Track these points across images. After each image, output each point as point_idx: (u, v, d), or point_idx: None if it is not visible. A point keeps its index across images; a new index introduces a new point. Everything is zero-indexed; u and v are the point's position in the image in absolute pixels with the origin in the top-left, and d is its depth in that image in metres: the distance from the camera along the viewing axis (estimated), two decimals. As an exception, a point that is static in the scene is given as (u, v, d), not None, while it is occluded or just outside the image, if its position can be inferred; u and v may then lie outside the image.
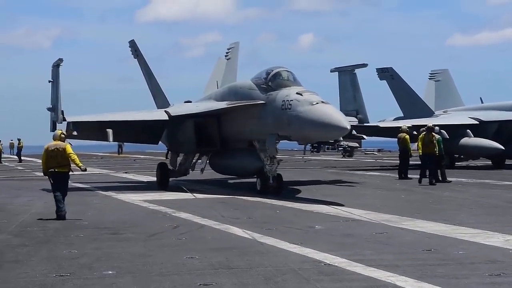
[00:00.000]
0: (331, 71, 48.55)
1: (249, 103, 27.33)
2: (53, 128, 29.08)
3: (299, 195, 26.02)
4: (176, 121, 30.97)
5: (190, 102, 34.26)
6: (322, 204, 22.34)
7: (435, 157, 30.15)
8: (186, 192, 28.03)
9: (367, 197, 25.66)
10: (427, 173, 30.16)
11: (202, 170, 31.89)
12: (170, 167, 32.15)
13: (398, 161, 35.27)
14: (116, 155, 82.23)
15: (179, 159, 32.76)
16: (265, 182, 26.60)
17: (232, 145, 29.84)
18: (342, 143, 49.45)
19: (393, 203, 22.80)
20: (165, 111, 32.05)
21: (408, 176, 33.67)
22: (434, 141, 30.00)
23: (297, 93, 25.14)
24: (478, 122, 42.51)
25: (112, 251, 14.18)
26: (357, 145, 54.35)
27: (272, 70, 27.02)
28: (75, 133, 29.73)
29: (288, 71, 26.95)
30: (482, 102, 49.49)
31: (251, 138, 28.42)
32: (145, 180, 36.56)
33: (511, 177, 33.32)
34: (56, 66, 30.30)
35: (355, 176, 37.31)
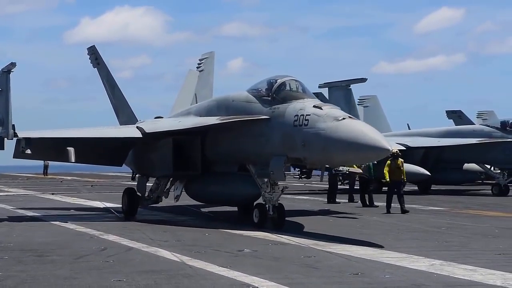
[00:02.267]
0: (319, 87, 43.59)
1: (249, 118, 22.80)
2: (1, 145, 25.37)
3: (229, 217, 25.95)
4: (150, 139, 26.38)
5: (162, 118, 29.98)
6: (251, 228, 22.35)
7: (402, 184, 29.12)
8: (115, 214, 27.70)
9: (295, 220, 25.76)
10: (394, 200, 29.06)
11: (177, 198, 26.51)
12: (139, 193, 27.40)
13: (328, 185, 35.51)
14: (42, 176, 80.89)
15: (148, 183, 28.33)
16: (264, 213, 22.41)
17: (217, 168, 25.40)
18: None
19: (322, 227, 22.94)
20: (138, 127, 27.16)
21: (337, 200, 33.99)
22: (401, 167, 29.16)
23: (314, 107, 20.97)
24: (405, 148, 43.23)
25: (37, 273, 13.92)
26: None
27: (277, 80, 22.70)
28: (28, 151, 25.19)
29: (297, 80, 22.72)
30: (409, 128, 50.22)
31: (246, 161, 23.83)
32: (72, 202, 36.01)
33: (437, 202, 33.95)
34: (7, 72, 25.74)
35: (284, 200, 37.40)
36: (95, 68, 33.93)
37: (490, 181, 46.99)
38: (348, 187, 36.32)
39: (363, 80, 42.20)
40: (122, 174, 76.27)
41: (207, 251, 17.04)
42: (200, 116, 25.66)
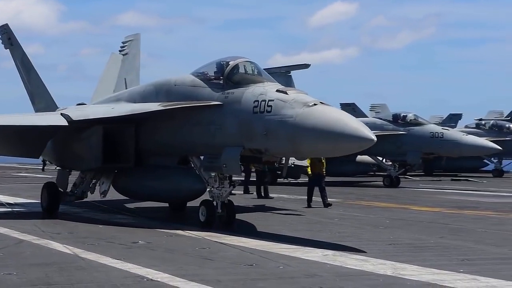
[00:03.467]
0: None
1: (199, 104, 20.31)
2: None
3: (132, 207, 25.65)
4: (76, 128, 23.38)
5: (85, 104, 27.30)
6: (147, 219, 22.15)
7: (322, 177, 28.40)
8: (4, 206, 26.95)
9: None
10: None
11: (105, 193, 23.81)
12: (60, 188, 24.85)
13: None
14: None
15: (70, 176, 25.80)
16: (212, 211, 20.04)
17: (153, 160, 22.73)
18: None
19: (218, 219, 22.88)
20: (62, 114, 23.96)
21: (249, 191, 34.18)
22: (322, 160, 28.72)
23: (278, 91, 18.63)
24: None
25: None
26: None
27: (229, 62, 20.26)
28: None
29: (252, 62, 20.25)
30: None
31: (189, 152, 21.68)
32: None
33: (330, 194, 34.43)
34: None
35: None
36: (7, 49, 31.43)
37: (382, 173, 48.15)
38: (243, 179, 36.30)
39: (305, 66, 40.74)
40: (12, 165, 74.26)
41: (100, 243, 16.79)
42: (135, 103, 23.05)
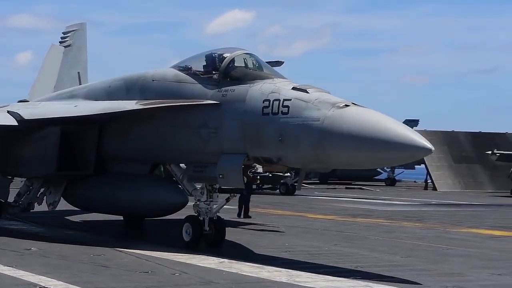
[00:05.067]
0: None
1: (193, 103, 17.12)
2: None
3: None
4: (25, 128, 19.99)
5: (27, 101, 23.99)
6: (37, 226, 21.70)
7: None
8: None
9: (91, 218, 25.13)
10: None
11: (55, 204, 20.62)
12: (1, 199, 21.78)
13: None
14: None
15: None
16: (199, 228, 17.26)
17: (117, 167, 19.63)
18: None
19: (115, 228, 22.61)
20: (9, 112, 20.40)
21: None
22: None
23: (295, 89, 15.74)
24: None
25: None
26: (288, 174, 40.00)
27: (222, 54, 17.41)
28: None
29: (252, 54, 17.43)
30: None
31: (168, 159, 18.39)
32: None
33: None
34: None
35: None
36: None
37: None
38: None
39: (279, 63, 39.18)
40: None
41: (-9, 250, 16.34)
42: (96, 100, 19.76)
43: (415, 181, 70.32)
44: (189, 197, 18.28)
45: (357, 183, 59.15)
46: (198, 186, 17.82)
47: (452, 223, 26.44)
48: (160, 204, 18.73)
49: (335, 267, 15.10)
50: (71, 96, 21.27)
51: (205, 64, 17.75)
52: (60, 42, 28.97)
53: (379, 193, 48.23)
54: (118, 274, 13.51)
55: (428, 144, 14.02)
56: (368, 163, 15.81)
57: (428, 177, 58.98)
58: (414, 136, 14.13)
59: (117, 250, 16.69)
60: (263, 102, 15.86)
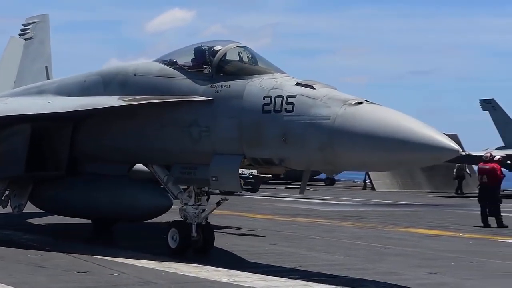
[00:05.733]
0: None
1: (185, 99, 15.87)
2: None
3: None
4: None
5: None
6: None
7: None
8: None
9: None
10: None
11: (21, 208, 19.14)
12: None
13: None
14: None
15: None
16: (186, 235, 16.13)
17: (90, 168, 18.55)
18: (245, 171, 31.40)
19: (61, 227, 22.27)
20: None
21: None
22: None
23: (299, 84, 14.67)
24: None
25: None
26: (270, 175, 37.46)
27: (213, 47, 16.28)
28: None
29: (246, 47, 16.38)
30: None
31: (152, 159, 16.97)
32: None
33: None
34: None
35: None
36: None
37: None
38: None
39: None
40: None
41: None
42: (69, 96, 18.41)
43: (354, 181, 71.07)
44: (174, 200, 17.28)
45: (296, 183, 59.35)
46: (182, 188, 16.77)
47: (390, 223, 26.80)
48: (141, 207, 17.73)
49: (274, 266, 15.19)
50: (40, 92, 19.77)
51: (194, 58, 16.57)
52: (20, 35, 27.64)
53: (319, 193, 48.61)
54: (55, 275, 13.35)
55: (454, 145, 12.99)
56: (382, 164, 14.27)
57: (367, 177, 59.64)
58: (438, 136, 13.02)
59: (54, 251, 16.48)
60: (264, 99, 14.74)
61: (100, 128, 17.62)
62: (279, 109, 14.44)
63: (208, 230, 16.56)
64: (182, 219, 16.35)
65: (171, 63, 16.65)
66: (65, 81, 19.38)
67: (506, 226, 26.09)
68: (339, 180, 68.37)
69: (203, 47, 16.46)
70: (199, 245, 16.33)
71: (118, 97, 16.88)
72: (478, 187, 27.94)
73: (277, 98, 14.52)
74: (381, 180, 57.64)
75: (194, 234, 16.14)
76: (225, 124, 15.23)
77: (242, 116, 14.97)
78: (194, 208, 16.24)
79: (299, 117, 14.15)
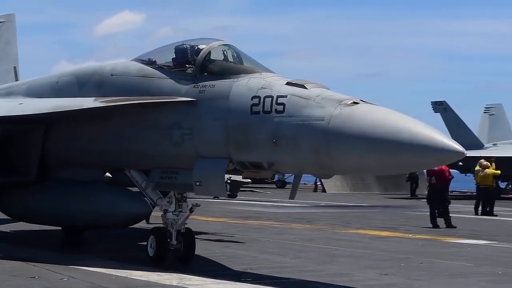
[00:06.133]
0: None
1: (168, 100, 14.97)
2: None
3: None
4: None
5: None
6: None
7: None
8: None
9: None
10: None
11: None
12: None
13: None
14: None
15: None
16: (164, 242, 15.37)
17: (62, 173, 17.40)
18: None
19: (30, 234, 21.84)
20: None
21: None
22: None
23: (290, 84, 13.86)
24: None
25: None
26: (249, 180, 34.18)
27: (197, 46, 15.38)
28: None
29: (230, 45, 15.45)
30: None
31: (130, 164, 16.13)
32: None
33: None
34: None
35: None
36: None
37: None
38: None
39: None
40: None
41: None
42: (41, 97, 17.54)
43: (304, 183, 71.28)
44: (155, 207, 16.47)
45: (248, 185, 59.43)
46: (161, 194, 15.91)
47: (341, 224, 26.98)
48: (117, 214, 16.70)
49: (226, 268, 15.17)
50: (9, 93, 18.93)
51: (175, 57, 15.69)
52: None
53: (270, 195, 48.77)
54: (2, 280, 13.16)
55: (459, 147, 12.33)
56: (381, 168, 13.51)
57: (318, 179, 59.90)
58: (442, 138, 12.37)
59: (8, 258, 16.19)
60: (252, 99, 13.87)
61: (74, 131, 16.80)
62: (269, 110, 13.64)
63: (189, 236, 15.72)
64: (162, 226, 15.68)
65: (151, 63, 15.88)
66: (36, 82, 18.56)
67: (455, 227, 26.44)
68: (290, 183, 68.54)
69: (185, 46, 15.61)
70: (179, 253, 15.56)
71: (94, 98, 16.06)
72: (427, 189, 28.31)
73: (266, 99, 13.73)
74: (331, 182, 57.91)
75: (174, 241, 15.38)
76: (209, 126, 14.39)
77: (228, 117, 14.11)
78: (175, 214, 15.43)
79: (290, 118, 13.36)
